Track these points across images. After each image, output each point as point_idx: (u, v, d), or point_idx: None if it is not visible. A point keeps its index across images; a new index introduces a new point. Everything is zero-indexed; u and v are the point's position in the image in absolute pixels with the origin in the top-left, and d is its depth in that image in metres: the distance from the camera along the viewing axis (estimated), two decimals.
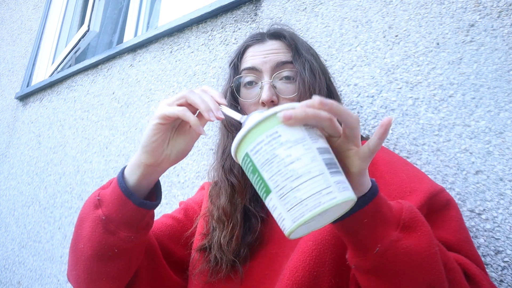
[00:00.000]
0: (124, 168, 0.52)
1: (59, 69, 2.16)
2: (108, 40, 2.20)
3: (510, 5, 0.79)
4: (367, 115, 0.90)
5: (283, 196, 0.33)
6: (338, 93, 0.78)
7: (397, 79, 0.89)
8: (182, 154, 0.51)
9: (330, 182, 0.33)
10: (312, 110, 0.36)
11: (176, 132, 0.51)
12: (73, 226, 1.49)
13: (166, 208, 1.21)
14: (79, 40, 2.09)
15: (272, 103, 0.64)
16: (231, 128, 0.71)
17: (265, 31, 0.75)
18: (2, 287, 1.69)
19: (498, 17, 0.80)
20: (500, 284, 0.66)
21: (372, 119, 0.89)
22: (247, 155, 0.36)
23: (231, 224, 0.63)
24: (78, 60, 2.15)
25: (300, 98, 0.65)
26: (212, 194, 0.69)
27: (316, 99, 0.36)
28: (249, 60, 0.70)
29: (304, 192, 0.33)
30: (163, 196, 1.23)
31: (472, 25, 0.83)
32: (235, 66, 0.73)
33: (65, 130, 1.78)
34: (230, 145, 0.68)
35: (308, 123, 0.36)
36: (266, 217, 0.65)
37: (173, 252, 0.68)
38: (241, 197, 0.65)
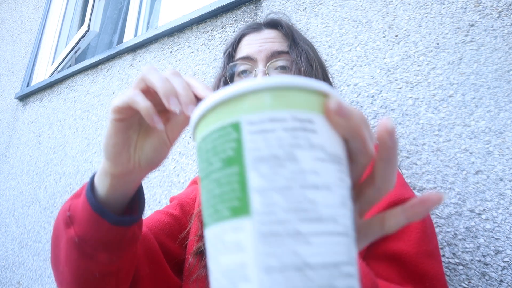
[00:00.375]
0: (94, 175, 0.41)
1: (59, 69, 2.16)
2: (108, 40, 2.20)
3: (510, 5, 0.79)
4: (367, 115, 0.90)
5: (273, 235, 0.17)
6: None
7: (397, 79, 0.89)
8: (155, 161, 0.38)
9: (352, 255, 0.19)
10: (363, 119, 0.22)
11: (143, 131, 0.38)
12: None
13: None
14: (79, 40, 2.09)
15: None
16: None
17: (262, 21, 0.73)
18: (2, 287, 1.69)
19: (498, 17, 0.80)
20: (500, 284, 0.66)
21: (372, 119, 0.89)
22: (235, 126, 0.19)
23: None
24: (78, 60, 2.15)
25: None
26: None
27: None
28: (244, 48, 0.67)
29: (315, 252, 0.17)
30: (163, 196, 1.24)
31: (472, 25, 0.83)
32: (230, 55, 0.70)
33: (65, 130, 1.78)
34: None
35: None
36: None
37: (174, 252, 0.60)
38: None
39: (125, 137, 0.36)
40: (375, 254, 0.50)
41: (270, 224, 0.17)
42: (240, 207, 0.18)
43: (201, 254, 0.57)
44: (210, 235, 0.19)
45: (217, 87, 0.68)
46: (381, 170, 0.23)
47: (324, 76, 0.69)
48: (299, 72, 0.60)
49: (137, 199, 0.43)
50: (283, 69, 0.63)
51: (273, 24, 0.70)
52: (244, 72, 0.65)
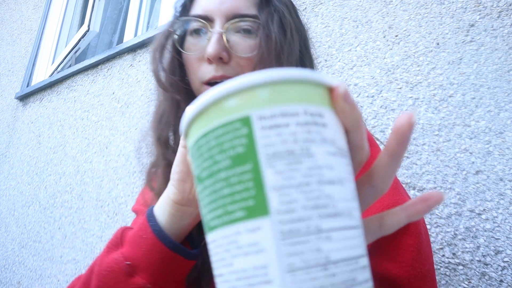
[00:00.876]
0: (152, 210, 0.38)
1: (59, 69, 2.16)
2: (108, 40, 2.20)
3: (510, 5, 0.79)
4: (367, 115, 0.90)
5: (294, 234, 0.17)
6: (316, 66, 0.59)
7: (397, 79, 0.89)
8: None
9: (365, 247, 0.19)
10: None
11: None
12: (73, 226, 1.49)
13: None
14: (79, 40, 2.09)
15: (220, 60, 0.48)
16: (170, 85, 0.52)
17: None
18: (2, 287, 1.69)
19: (498, 17, 0.80)
20: (500, 284, 0.66)
21: (372, 119, 0.89)
22: (244, 121, 0.18)
23: None
24: (78, 60, 2.15)
25: (261, 61, 0.47)
26: (148, 178, 0.52)
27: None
28: (202, 1, 0.51)
29: (336, 248, 0.17)
30: None
31: (472, 25, 0.83)
32: (184, 7, 0.54)
33: (65, 130, 1.78)
34: (169, 109, 0.51)
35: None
36: None
37: None
38: None
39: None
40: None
41: (290, 223, 0.17)
42: (257, 207, 0.17)
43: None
44: (219, 238, 0.18)
45: (161, 47, 0.53)
46: (384, 167, 0.22)
47: (302, 46, 0.55)
48: (267, 39, 0.48)
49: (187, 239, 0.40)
50: (247, 33, 0.49)
51: None
52: (197, 31, 0.51)
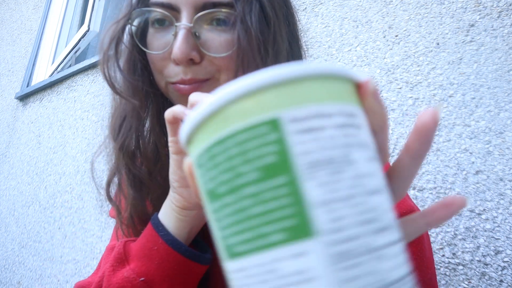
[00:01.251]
0: (157, 218, 0.36)
1: (59, 69, 2.16)
2: None
3: (510, 5, 0.79)
4: None
5: (346, 256, 0.14)
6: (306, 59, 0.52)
7: (397, 79, 0.89)
8: None
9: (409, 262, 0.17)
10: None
11: None
12: (73, 226, 1.49)
13: None
14: (79, 40, 2.09)
15: (190, 61, 0.39)
16: (129, 88, 0.43)
17: None
18: (2, 287, 1.69)
19: (498, 17, 0.80)
20: (500, 284, 0.66)
21: None
22: (272, 124, 0.15)
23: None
24: (78, 60, 2.15)
25: (241, 60, 0.39)
26: (108, 192, 0.48)
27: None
28: None
29: (391, 267, 0.15)
30: None
31: (472, 25, 0.83)
32: None
33: (65, 130, 1.78)
34: (130, 113, 0.43)
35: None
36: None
37: None
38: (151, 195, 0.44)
39: None
40: None
41: (341, 243, 0.14)
42: (299, 227, 0.14)
43: None
44: (251, 266, 0.15)
45: (116, 42, 0.43)
46: (405, 169, 0.20)
47: (290, 37, 0.46)
48: (245, 33, 0.39)
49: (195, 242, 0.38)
50: (222, 25, 0.40)
51: None
52: (160, 21, 0.41)
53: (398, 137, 0.84)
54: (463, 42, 0.83)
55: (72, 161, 1.66)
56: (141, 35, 0.43)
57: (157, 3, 0.40)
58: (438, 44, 0.86)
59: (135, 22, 0.43)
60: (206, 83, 0.41)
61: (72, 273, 1.40)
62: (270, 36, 0.41)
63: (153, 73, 0.44)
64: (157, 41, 0.41)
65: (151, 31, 0.42)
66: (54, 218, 1.60)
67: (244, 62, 0.40)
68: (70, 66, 2.10)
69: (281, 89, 0.15)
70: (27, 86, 2.19)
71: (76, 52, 2.16)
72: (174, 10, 0.39)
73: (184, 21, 0.38)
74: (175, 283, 0.34)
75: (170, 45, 0.39)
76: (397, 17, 0.94)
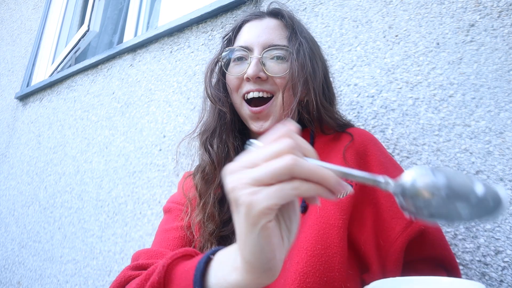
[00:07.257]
0: (202, 265, 0.38)
1: (59, 69, 2.15)
2: (108, 40, 2.20)
3: (510, 5, 0.79)
4: (367, 115, 0.90)
5: None
6: (334, 90, 0.75)
7: (397, 79, 0.89)
8: (294, 232, 0.33)
9: None
10: None
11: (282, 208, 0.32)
12: (73, 226, 1.49)
13: None
14: (79, 40, 2.08)
15: (258, 79, 0.63)
16: (216, 98, 0.69)
17: (265, 9, 0.74)
18: (2, 287, 1.69)
19: (498, 17, 0.80)
20: (500, 284, 0.66)
21: (372, 119, 0.89)
22: None
23: (203, 204, 0.62)
24: (78, 60, 2.15)
25: (292, 78, 0.63)
26: (195, 174, 0.69)
27: None
28: (243, 35, 0.68)
29: None
30: (163, 196, 1.24)
31: (472, 25, 0.83)
32: (229, 39, 0.72)
33: (65, 130, 1.78)
34: (211, 117, 0.69)
35: None
36: None
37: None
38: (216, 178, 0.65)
39: (279, 234, 0.31)
40: (423, 259, 0.58)
41: None
42: None
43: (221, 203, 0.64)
44: None
45: (211, 71, 0.70)
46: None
47: (324, 71, 0.70)
48: (297, 62, 0.63)
49: None
50: (279, 59, 0.64)
51: (275, 13, 0.71)
52: (240, 59, 0.67)
53: (398, 137, 0.84)
54: (463, 42, 0.83)
55: (72, 161, 1.66)
56: (226, 67, 0.69)
57: (239, 45, 0.67)
58: (438, 44, 0.86)
59: (224, 60, 0.69)
60: (268, 105, 0.64)
61: (72, 273, 1.40)
62: (312, 66, 0.64)
63: (231, 93, 0.69)
64: (235, 69, 0.67)
65: (232, 65, 0.68)
66: (54, 218, 1.60)
67: (293, 81, 0.63)
68: (70, 66, 2.10)
69: None
70: (27, 86, 2.19)
71: (76, 52, 2.16)
72: (249, 49, 0.65)
73: (255, 55, 0.64)
74: None
75: (245, 70, 0.64)
76: (397, 17, 0.94)
